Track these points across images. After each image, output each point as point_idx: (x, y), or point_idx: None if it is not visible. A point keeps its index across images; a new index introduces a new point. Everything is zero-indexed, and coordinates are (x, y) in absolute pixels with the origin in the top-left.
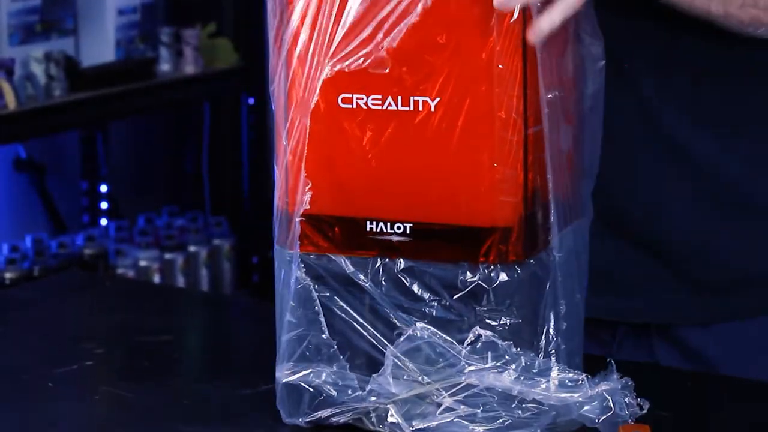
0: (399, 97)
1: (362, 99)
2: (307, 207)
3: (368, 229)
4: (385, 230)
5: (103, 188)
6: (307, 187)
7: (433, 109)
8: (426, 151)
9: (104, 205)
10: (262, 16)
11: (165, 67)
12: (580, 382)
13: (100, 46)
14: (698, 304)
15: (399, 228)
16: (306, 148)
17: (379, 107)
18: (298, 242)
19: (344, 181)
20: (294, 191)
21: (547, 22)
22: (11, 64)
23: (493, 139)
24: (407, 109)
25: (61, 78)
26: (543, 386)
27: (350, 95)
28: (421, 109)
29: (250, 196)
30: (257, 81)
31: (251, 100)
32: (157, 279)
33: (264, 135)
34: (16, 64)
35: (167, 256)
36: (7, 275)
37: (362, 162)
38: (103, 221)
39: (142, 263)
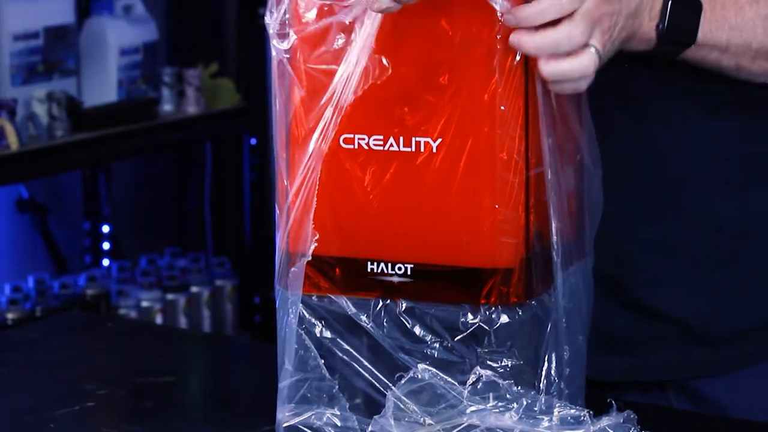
0: (401, 138)
1: (364, 139)
2: (308, 248)
3: (369, 270)
4: (386, 271)
5: (105, 228)
6: (307, 228)
7: (434, 150)
8: (427, 192)
9: (106, 245)
10: (263, 56)
11: (167, 107)
12: (583, 418)
13: (102, 87)
14: (708, 358)
15: (400, 269)
16: (307, 188)
17: (381, 148)
18: (300, 283)
19: (345, 221)
20: (295, 232)
21: (552, 69)
22: (13, 105)
23: (495, 180)
24: (409, 149)
25: (63, 118)
26: (545, 424)
27: (352, 135)
28: (422, 149)
29: (253, 237)
30: (259, 121)
31: (253, 141)
32: (159, 319)
33: (266, 175)
34: (18, 105)
35: (169, 296)
36: (9, 315)
37: (363, 202)
38: (105, 261)
39: (144, 304)
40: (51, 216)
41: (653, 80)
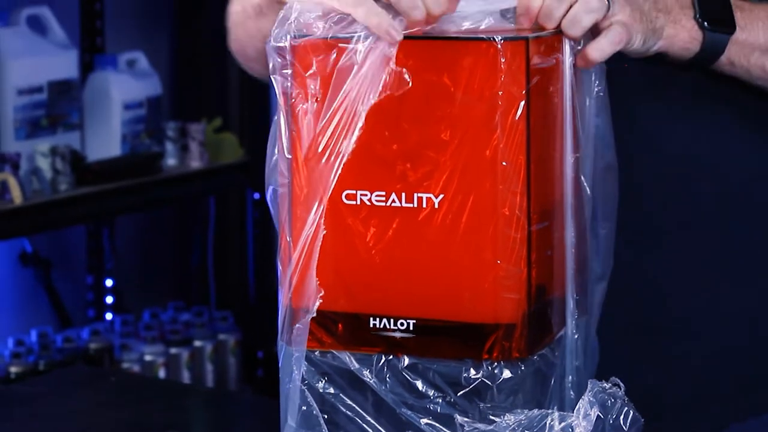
0: (403, 194)
1: (366, 195)
2: (312, 304)
3: (372, 326)
4: (388, 326)
5: (109, 282)
6: (310, 284)
7: (436, 206)
8: (429, 248)
9: (109, 299)
10: (267, 111)
11: (171, 161)
12: None
13: (105, 141)
14: (744, 401)
15: (402, 324)
16: (309, 244)
17: (383, 203)
18: (304, 339)
19: (347, 277)
20: (297, 287)
21: (597, 52)
22: (17, 159)
23: (497, 236)
24: (411, 205)
25: (67, 172)
26: None
27: (354, 191)
28: (425, 205)
29: (256, 291)
30: (262, 176)
31: (256, 195)
32: (162, 373)
33: (269, 230)
34: (22, 159)
35: (172, 350)
36: (13, 369)
37: (365, 258)
38: (109, 315)
39: (148, 358)
40: (54, 270)
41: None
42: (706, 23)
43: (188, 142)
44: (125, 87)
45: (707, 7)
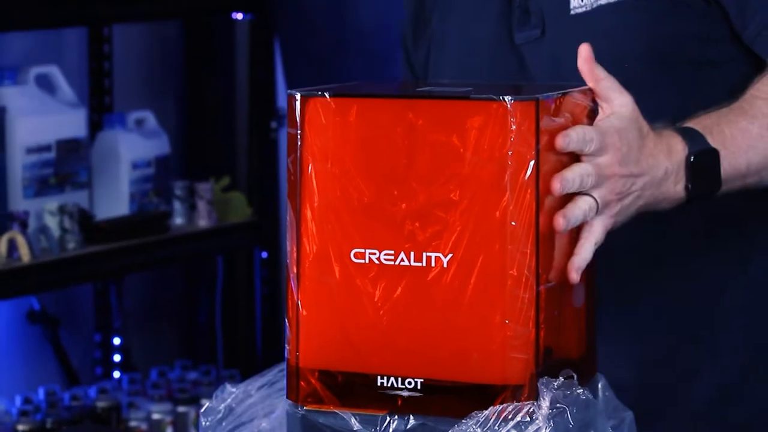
0: (412, 253)
1: (375, 254)
2: (317, 362)
3: (379, 384)
4: (396, 385)
5: (117, 340)
6: (317, 343)
7: (445, 266)
8: (438, 307)
9: (117, 357)
10: (275, 170)
11: (178, 220)
12: None
13: (113, 200)
14: None
15: (410, 384)
16: (317, 303)
17: (392, 263)
18: (308, 398)
19: (355, 336)
20: (304, 346)
21: (581, 260)
22: (25, 217)
23: (505, 296)
24: (420, 264)
25: (75, 231)
26: None
27: (363, 250)
28: (433, 265)
29: (263, 350)
30: (270, 235)
31: (264, 254)
32: None
33: (277, 289)
34: (30, 217)
35: (180, 409)
36: (20, 427)
37: (373, 317)
38: (116, 374)
39: (155, 416)
40: (62, 328)
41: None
42: (693, 194)
43: (196, 201)
44: (133, 146)
45: (699, 183)
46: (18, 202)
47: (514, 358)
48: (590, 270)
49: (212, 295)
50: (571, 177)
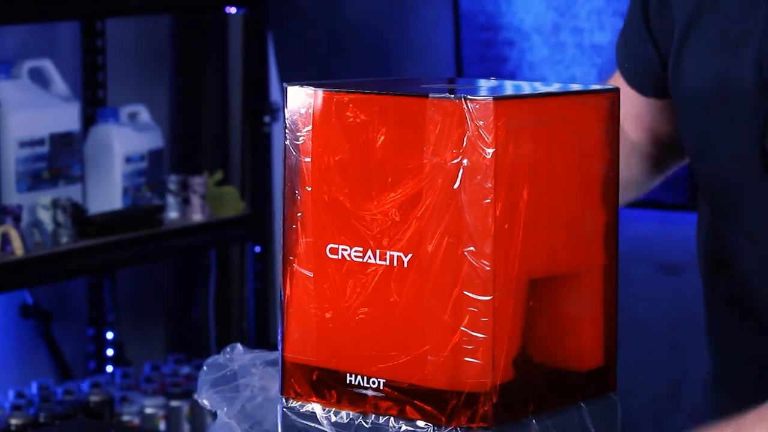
0: (378, 251)
1: (346, 250)
2: (297, 355)
3: (348, 382)
4: (362, 384)
5: (110, 335)
6: (297, 336)
7: (405, 266)
8: (398, 307)
9: (110, 351)
10: (268, 165)
11: (172, 214)
12: None
13: (107, 194)
14: None
15: (374, 383)
16: (299, 296)
17: (360, 260)
18: (289, 390)
19: (329, 332)
20: (287, 338)
21: None
22: (18, 211)
23: (460, 300)
24: (384, 263)
25: (68, 225)
26: None
27: (336, 246)
28: (395, 264)
29: (256, 344)
30: (263, 229)
31: (257, 248)
32: (162, 426)
33: (270, 283)
34: (23, 211)
35: (173, 403)
36: (13, 421)
37: (344, 314)
38: (109, 368)
39: (148, 410)
40: (55, 322)
41: None
42: None
43: (189, 195)
44: (127, 140)
45: None
46: (11, 196)
47: (469, 364)
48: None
49: (205, 289)
50: None
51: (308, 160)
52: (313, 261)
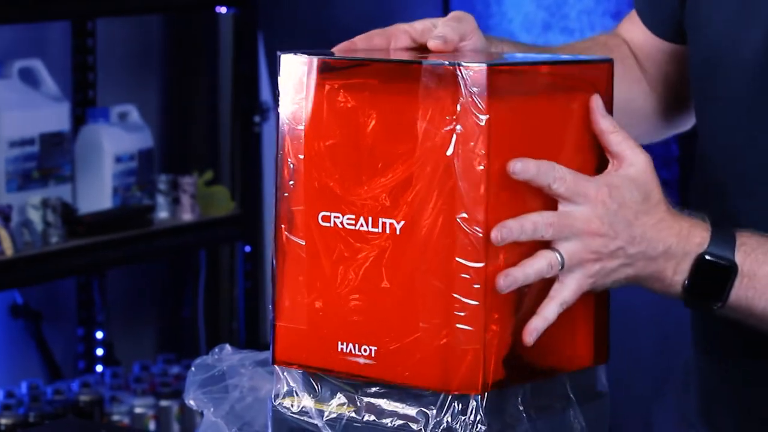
0: (370, 218)
1: (339, 218)
2: (289, 320)
3: (339, 350)
4: (353, 352)
5: (99, 334)
6: (289, 302)
7: (398, 232)
8: (391, 274)
9: (100, 351)
10: (258, 165)
11: (162, 214)
12: None
13: (97, 194)
14: None
15: (365, 351)
16: (290, 261)
17: (353, 227)
18: (281, 356)
19: (321, 299)
20: (278, 303)
21: (541, 321)
22: (8, 211)
23: (451, 266)
24: (376, 230)
25: (58, 225)
26: None
27: (329, 213)
28: (387, 231)
29: (246, 344)
30: (253, 229)
31: (247, 248)
32: (152, 426)
33: (260, 282)
34: (13, 211)
35: (163, 403)
36: (2, 421)
37: (337, 282)
38: (99, 368)
39: (138, 410)
40: (45, 322)
41: None
42: (687, 296)
43: (179, 195)
44: (117, 140)
45: (698, 288)
46: (1, 196)
47: (461, 331)
48: None
49: (195, 289)
50: (517, 225)
51: (301, 128)
52: (304, 229)
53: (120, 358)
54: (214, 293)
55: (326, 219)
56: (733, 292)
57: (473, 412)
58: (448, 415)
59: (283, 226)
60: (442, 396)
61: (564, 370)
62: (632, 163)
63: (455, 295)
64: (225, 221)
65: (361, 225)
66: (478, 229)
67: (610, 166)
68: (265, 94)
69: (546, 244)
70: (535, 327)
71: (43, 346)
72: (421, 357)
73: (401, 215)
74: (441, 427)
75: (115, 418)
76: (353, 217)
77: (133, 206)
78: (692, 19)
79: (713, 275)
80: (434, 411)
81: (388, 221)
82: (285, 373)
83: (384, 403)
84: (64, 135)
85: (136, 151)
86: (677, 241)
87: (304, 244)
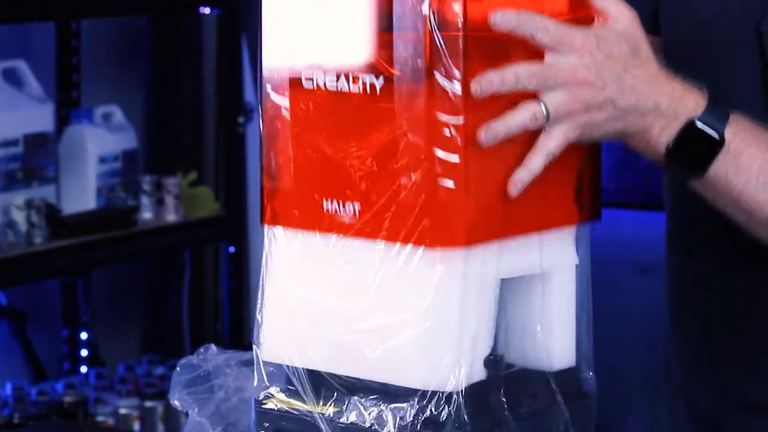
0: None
1: (321, 77)
2: (274, 182)
3: (325, 210)
4: (339, 211)
5: (84, 335)
6: (272, 164)
7: (378, 92)
8: (369, 133)
9: (84, 352)
10: (242, 165)
11: (146, 215)
12: None
13: (81, 194)
14: None
15: (350, 209)
16: (272, 128)
17: (334, 88)
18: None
19: (304, 163)
20: (266, 167)
21: (526, 173)
22: None
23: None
24: (357, 89)
25: (42, 225)
26: None
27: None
28: (368, 91)
29: (231, 344)
30: (237, 230)
31: (232, 249)
32: (137, 427)
33: (244, 283)
34: None
35: (147, 404)
36: None
37: (317, 141)
38: (83, 368)
39: (122, 411)
40: (29, 322)
41: None
42: (669, 159)
43: (163, 195)
44: (101, 140)
45: (682, 152)
46: None
47: (445, 190)
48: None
49: (179, 289)
50: (497, 76)
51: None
52: (287, 89)
53: (105, 358)
54: (198, 294)
55: (309, 79)
56: (715, 166)
57: (455, 406)
58: (431, 407)
59: (268, 85)
60: (421, 393)
61: (546, 371)
62: (617, 18)
63: (436, 151)
64: (209, 222)
65: (342, 84)
66: (456, 83)
67: (595, 22)
68: (249, 95)
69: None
70: (519, 178)
71: (27, 347)
72: (403, 213)
73: (379, 71)
74: (425, 417)
75: (100, 419)
76: (334, 75)
77: (117, 207)
78: (672, 7)
79: (699, 144)
80: (416, 406)
81: (368, 78)
82: (268, 373)
83: (367, 401)
84: (48, 136)
85: (120, 151)
86: (669, 101)
87: (287, 107)
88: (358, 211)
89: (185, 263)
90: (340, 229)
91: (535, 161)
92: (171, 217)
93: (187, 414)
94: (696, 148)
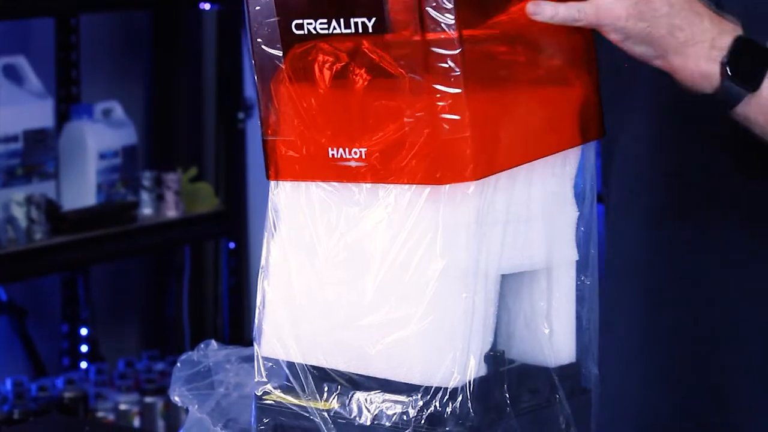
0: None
1: (311, 24)
2: (275, 136)
3: (330, 156)
4: (344, 156)
5: (84, 331)
6: (272, 118)
7: (370, 30)
8: (368, 75)
9: (84, 348)
10: (242, 161)
11: (146, 211)
12: None
13: (81, 190)
14: None
15: (356, 153)
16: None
17: (326, 31)
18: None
19: (306, 112)
20: (265, 120)
21: (550, 10)
22: None
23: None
24: (349, 31)
25: (42, 221)
26: None
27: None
28: (360, 30)
29: (230, 340)
30: (237, 225)
31: (231, 245)
32: (137, 423)
33: (244, 278)
34: None
35: (147, 399)
36: None
37: (317, 90)
38: (83, 364)
39: (122, 407)
40: (29, 318)
41: None
42: (729, 71)
43: (164, 191)
44: (101, 136)
45: (738, 59)
46: None
47: (447, 120)
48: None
49: (179, 285)
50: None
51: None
52: (279, 41)
53: (104, 354)
54: (198, 289)
55: (299, 27)
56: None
57: (460, 402)
58: (435, 401)
59: (259, 40)
60: (424, 389)
61: (546, 367)
62: None
63: (435, 86)
64: (209, 217)
65: (334, 28)
66: (449, 16)
67: None
68: (249, 90)
69: None
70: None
71: (27, 342)
72: (409, 153)
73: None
74: (427, 413)
75: (100, 414)
76: (325, 21)
77: (117, 203)
78: None
79: (753, 54)
80: (421, 401)
81: (360, 20)
82: (269, 369)
83: (369, 396)
84: (48, 132)
85: (120, 147)
86: (710, 21)
87: (280, 57)
88: (364, 154)
89: (185, 259)
90: (347, 176)
91: (561, 10)
92: (171, 212)
93: (187, 410)
94: (747, 60)
